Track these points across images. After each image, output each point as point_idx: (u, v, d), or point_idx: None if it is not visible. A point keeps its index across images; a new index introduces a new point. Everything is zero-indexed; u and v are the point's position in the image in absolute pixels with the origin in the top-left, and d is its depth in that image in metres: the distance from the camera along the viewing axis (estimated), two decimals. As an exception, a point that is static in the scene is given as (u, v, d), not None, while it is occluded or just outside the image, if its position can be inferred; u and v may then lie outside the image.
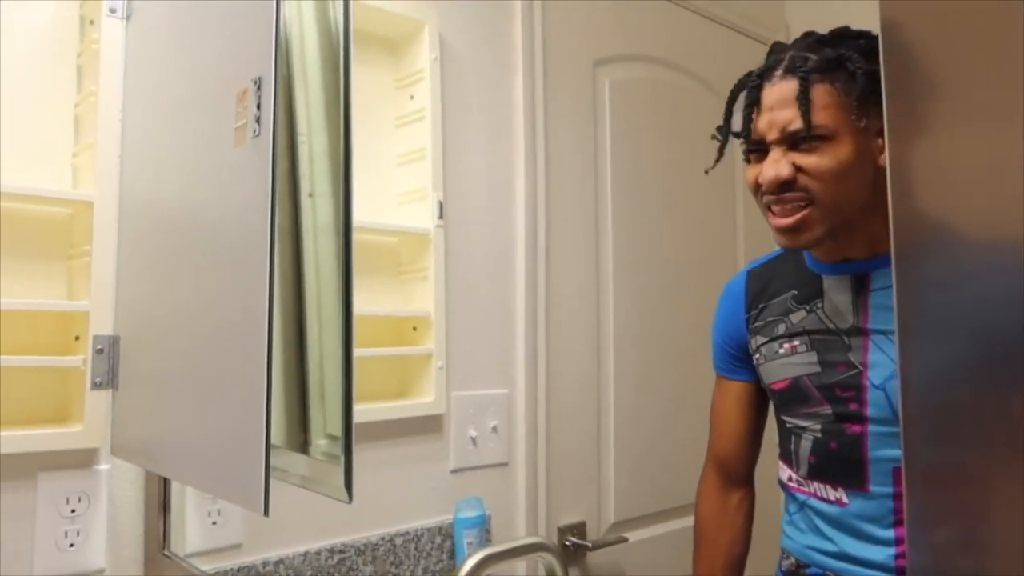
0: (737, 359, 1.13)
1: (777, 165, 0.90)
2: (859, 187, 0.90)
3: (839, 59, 0.89)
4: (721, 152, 1.00)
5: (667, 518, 1.80)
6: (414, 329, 1.42)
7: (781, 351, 1.03)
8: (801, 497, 1.04)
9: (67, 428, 1.04)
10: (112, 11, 1.10)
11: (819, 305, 1.00)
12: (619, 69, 1.84)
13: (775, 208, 0.93)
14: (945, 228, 0.50)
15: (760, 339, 1.06)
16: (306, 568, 1.22)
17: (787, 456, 1.06)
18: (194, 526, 1.14)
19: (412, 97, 1.45)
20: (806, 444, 1.01)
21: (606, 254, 1.74)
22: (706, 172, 1.05)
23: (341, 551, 1.27)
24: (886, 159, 0.52)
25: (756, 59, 1.11)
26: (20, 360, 1.01)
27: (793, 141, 0.90)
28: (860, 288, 0.96)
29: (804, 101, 0.87)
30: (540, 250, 1.60)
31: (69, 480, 1.06)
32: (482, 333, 1.50)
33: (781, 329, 1.04)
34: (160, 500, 1.10)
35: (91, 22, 1.12)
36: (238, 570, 1.16)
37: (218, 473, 0.80)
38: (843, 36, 0.92)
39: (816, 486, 1.00)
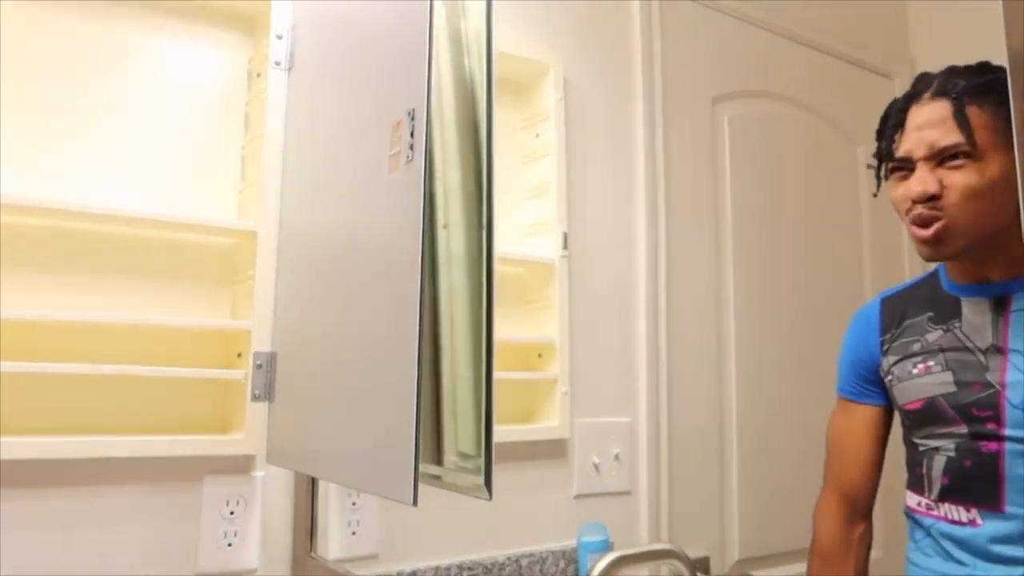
0: (868, 382, 1.12)
1: (924, 181, 0.94)
2: (1000, 207, 0.93)
3: (988, 84, 0.93)
4: (879, 176, 1.05)
5: (797, 559, 1.74)
6: (539, 356, 1.47)
7: (915, 371, 1.02)
8: (928, 522, 1.01)
9: (230, 436, 1.15)
10: (277, 64, 1.24)
11: (956, 325, 1.00)
12: (738, 105, 1.86)
13: (917, 220, 0.96)
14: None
15: (892, 359, 1.05)
16: (437, 582, 1.28)
17: (917, 481, 1.04)
18: (336, 534, 1.21)
19: (537, 135, 1.53)
20: (939, 464, 0.99)
21: (727, 286, 1.74)
22: (874, 195, 1.08)
23: (470, 568, 1.32)
24: (1017, 178, 0.53)
25: (879, 92, 1.13)
26: (191, 372, 1.13)
27: (940, 159, 0.94)
28: (1000, 309, 0.97)
29: (962, 118, 0.92)
30: (661, 281, 1.62)
31: (230, 484, 1.16)
32: (605, 361, 1.54)
33: (916, 348, 1.03)
34: (308, 506, 1.18)
35: (258, 75, 1.26)
36: (374, 579, 1.22)
37: (370, 471, 0.86)
38: (988, 67, 0.97)
39: (947, 508, 0.98)
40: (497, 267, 1.46)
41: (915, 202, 0.95)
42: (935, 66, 1.09)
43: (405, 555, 1.27)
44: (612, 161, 1.62)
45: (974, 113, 0.93)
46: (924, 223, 0.95)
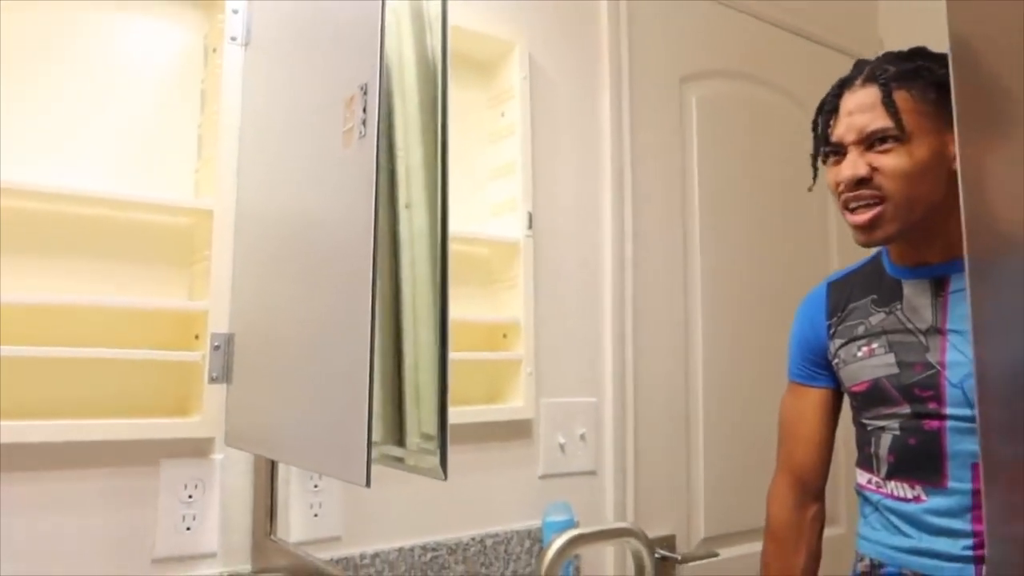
0: (817, 365, 1.15)
1: (855, 165, 0.96)
2: (931, 189, 0.95)
3: (916, 69, 0.96)
4: (816, 167, 1.07)
5: (762, 537, 1.76)
6: (504, 336, 1.47)
7: (859, 354, 1.05)
8: (875, 498, 1.05)
9: (187, 419, 1.13)
10: (233, 39, 1.21)
11: (898, 307, 1.03)
12: (706, 85, 1.85)
13: (851, 205, 0.98)
14: (1018, 228, 0.51)
15: (839, 342, 1.09)
16: (400, 563, 1.27)
17: (866, 460, 1.07)
18: (297, 517, 1.20)
19: (503, 114, 1.52)
20: (885, 442, 1.02)
21: (694, 266, 1.75)
22: (809, 190, 1.11)
23: (434, 549, 1.31)
24: (957, 161, 0.52)
25: (846, 72, 1.13)
26: (148, 354, 1.11)
27: (870, 143, 0.96)
28: (938, 291, 0.99)
29: (889, 103, 0.94)
30: (627, 261, 1.62)
31: (187, 468, 1.14)
32: (570, 341, 1.53)
33: (860, 331, 1.07)
34: (268, 489, 1.16)
35: (214, 50, 1.24)
36: (337, 561, 1.22)
37: (325, 453, 0.86)
38: (920, 53, 1.00)
39: (894, 485, 1.01)
40: (462, 247, 1.46)
41: (846, 186, 0.97)
42: (904, 46, 1.10)
43: (368, 537, 1.27)
44: (578, 140, 1.61)
45: (902, 98, 0.95)
46: (859, 209, 0.97)
